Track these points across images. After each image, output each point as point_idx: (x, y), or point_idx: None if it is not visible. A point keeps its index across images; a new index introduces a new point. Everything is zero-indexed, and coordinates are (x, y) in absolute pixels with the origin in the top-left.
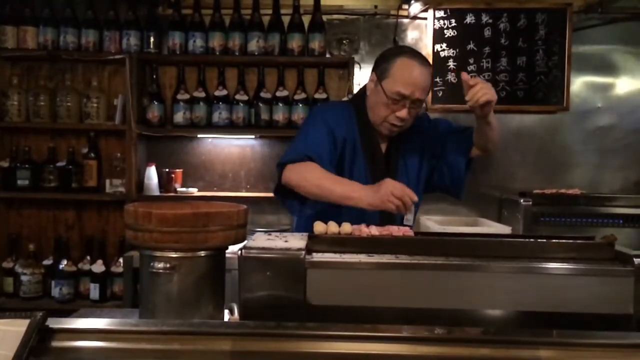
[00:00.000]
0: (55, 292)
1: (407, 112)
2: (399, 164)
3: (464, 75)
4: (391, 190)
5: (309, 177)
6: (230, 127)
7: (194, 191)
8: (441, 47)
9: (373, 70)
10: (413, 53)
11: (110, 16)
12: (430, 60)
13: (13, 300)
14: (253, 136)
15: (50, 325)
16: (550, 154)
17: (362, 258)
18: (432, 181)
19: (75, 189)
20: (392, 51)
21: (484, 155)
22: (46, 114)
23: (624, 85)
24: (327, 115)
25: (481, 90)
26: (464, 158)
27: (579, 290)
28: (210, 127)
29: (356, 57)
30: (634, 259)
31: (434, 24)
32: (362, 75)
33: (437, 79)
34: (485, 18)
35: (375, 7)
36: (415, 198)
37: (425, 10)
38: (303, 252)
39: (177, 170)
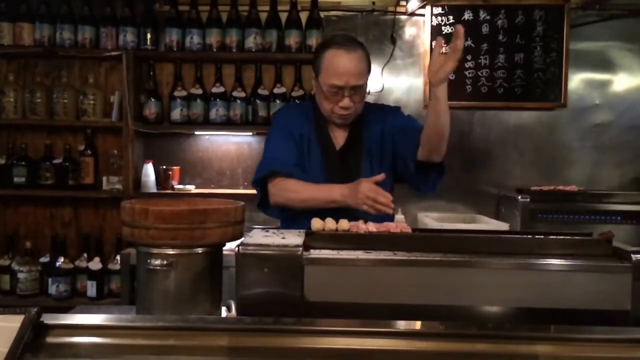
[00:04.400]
0: (52, 289)
1: (349, 101)
2: (363, 153)
3: (460, 30)
4: (366, 193)
5: (291, 195)
6: (228, 124)
7: (191, 188)
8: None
9: (312, 66)
10: (340, 42)
11: (107, 12)
12: (427, 57)
13: (10, 298)
14: (250, 133)
15: (45, 321)
16: (548, 151)
17: (360, 255)
18: (397, 171)
19: (72, 186)
20: (321, 45)
21: (433, 161)
22: (42, 110)
23: (621, 82)
24: (283, 118)
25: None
26: (412, 158)
27: (576, 286)
28: (208, 124)
29: None
30: (632, 255)
31: (431, 21)
32: None
33: None
34: (483, 15)
35: (373, 3)
36: (390, 197)
37: (423, 7)
38: (300, 249)
39: (175, 167)
